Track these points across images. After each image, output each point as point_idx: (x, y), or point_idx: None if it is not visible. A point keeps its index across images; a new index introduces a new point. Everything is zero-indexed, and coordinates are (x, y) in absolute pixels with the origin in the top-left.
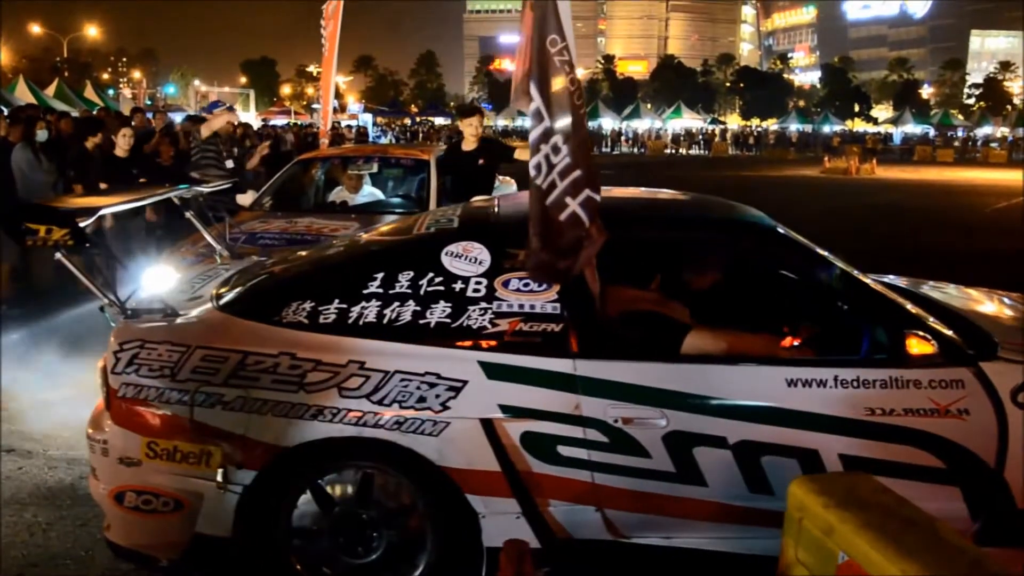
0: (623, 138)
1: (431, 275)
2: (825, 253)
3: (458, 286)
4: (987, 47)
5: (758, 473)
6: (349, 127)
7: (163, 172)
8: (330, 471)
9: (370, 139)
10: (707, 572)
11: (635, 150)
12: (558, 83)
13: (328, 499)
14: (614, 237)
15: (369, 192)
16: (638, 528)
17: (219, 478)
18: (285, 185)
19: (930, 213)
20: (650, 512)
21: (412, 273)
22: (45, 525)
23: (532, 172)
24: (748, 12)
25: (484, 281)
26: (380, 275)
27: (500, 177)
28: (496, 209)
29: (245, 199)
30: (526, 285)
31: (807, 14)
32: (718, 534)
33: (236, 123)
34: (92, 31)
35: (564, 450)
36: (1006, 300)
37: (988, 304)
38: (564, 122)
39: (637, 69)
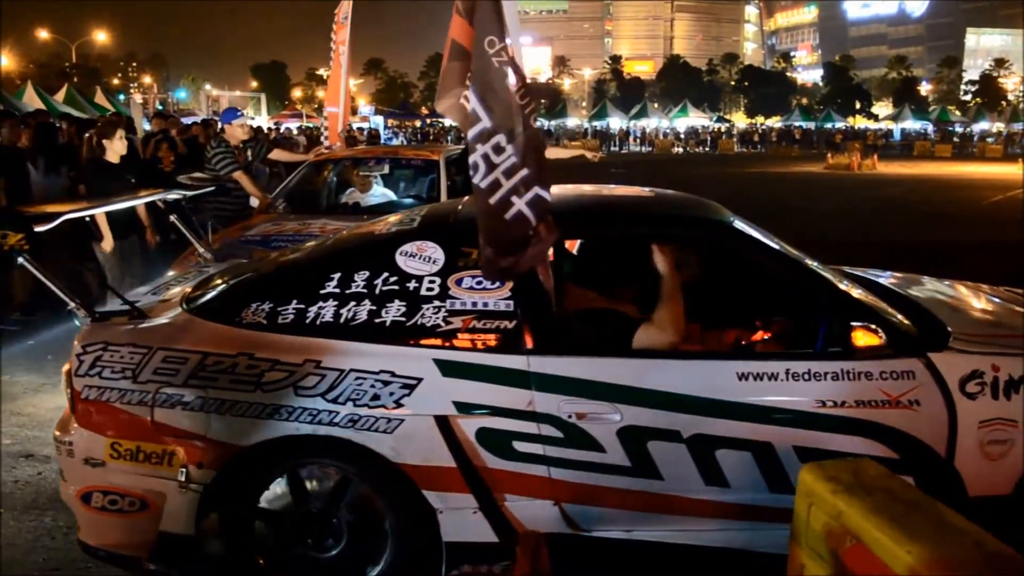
0: (631, 137)
1: (386, 275)
2: (781, 247)
3: (412, 285)
4: (982, 45)
5: (713, 466)
6: (360, 129)
7: (164, 178)
8: (289, 469)
9: (381, 141)
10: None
11: (643, 149)
12: (497, 84)
13: (288, 496)
14: (570, 234)
15: (381, 193)
16: (597, 522)
17: (180, 477)
18: (298, 187)
19: (930, 206)
20: (608, 506)
21: (368, 273)
22: (66, 529)
23: (471, 172)
24: (751, 12)
25: (438, 280)
26: (337, 275)
27: None
28: (459, 209)
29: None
30: (479, 283)
31: (809, 13)
32: (676, 527)
33: (250, 130)
34: (101, 36)
35: (520, 446)
36: (995, 298)
37: (964, 298)
38: (506, 122)
39: (644, 69)
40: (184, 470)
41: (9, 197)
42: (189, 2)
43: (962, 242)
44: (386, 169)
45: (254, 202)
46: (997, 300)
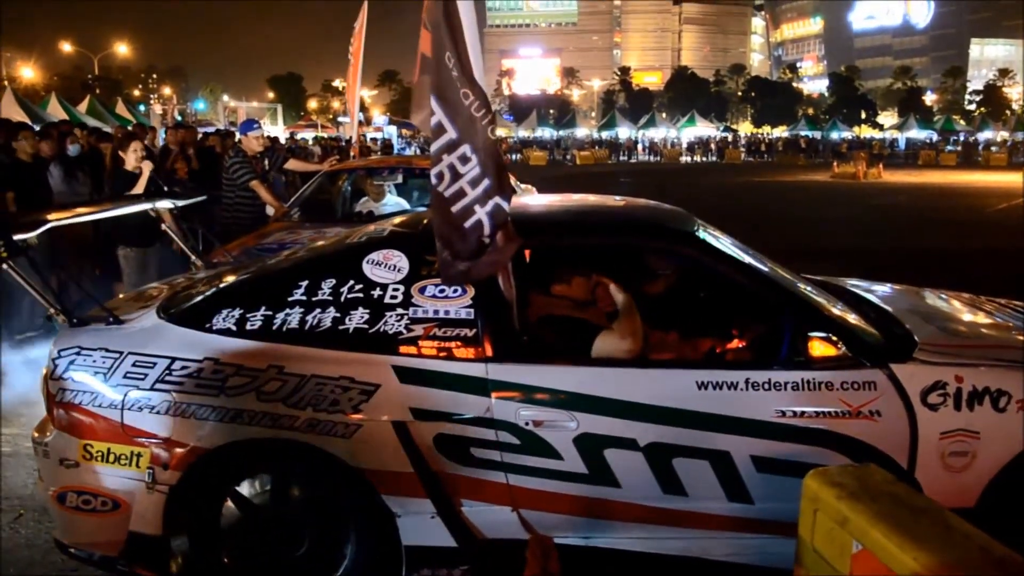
0: (639, 147)
1: (352, 282)
2: (747, 257)
3: (376, 293)
4: (986, 55)
5: (670, 474)
6: (375, 140)
7: (181, 187)
8: (252, 471)
9: (395, 151)
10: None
11: (651, 158)
12: (455, 97)
13: (252, 498)
14: (535, 243)
15: (394, 202)
16: (555, 528)
17: (147, 479)
18: (313, 196)
19: (935, 214)
20: (566, 512)
21: (334, 280)
22: None
23: (434, 180)
24: (758, 24)
25: (402, 288)
26: (305, 283)
27: (522, 185)
28: (431, 218)
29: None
30: (441, 291)
31: (815, 25)
32: (634, 534)
33: (266, 140)
34: (122, 49)
35: (477, 452)
36: (996, 314)
37: (947, 310)
38: (469, 133)
39: (652, 80)
40: (151, 471)
41: (22, 208)
42: (209, 15)
43: (966, 250)
44: (399, 178)
45: (270, 211)
46: (998, 316)
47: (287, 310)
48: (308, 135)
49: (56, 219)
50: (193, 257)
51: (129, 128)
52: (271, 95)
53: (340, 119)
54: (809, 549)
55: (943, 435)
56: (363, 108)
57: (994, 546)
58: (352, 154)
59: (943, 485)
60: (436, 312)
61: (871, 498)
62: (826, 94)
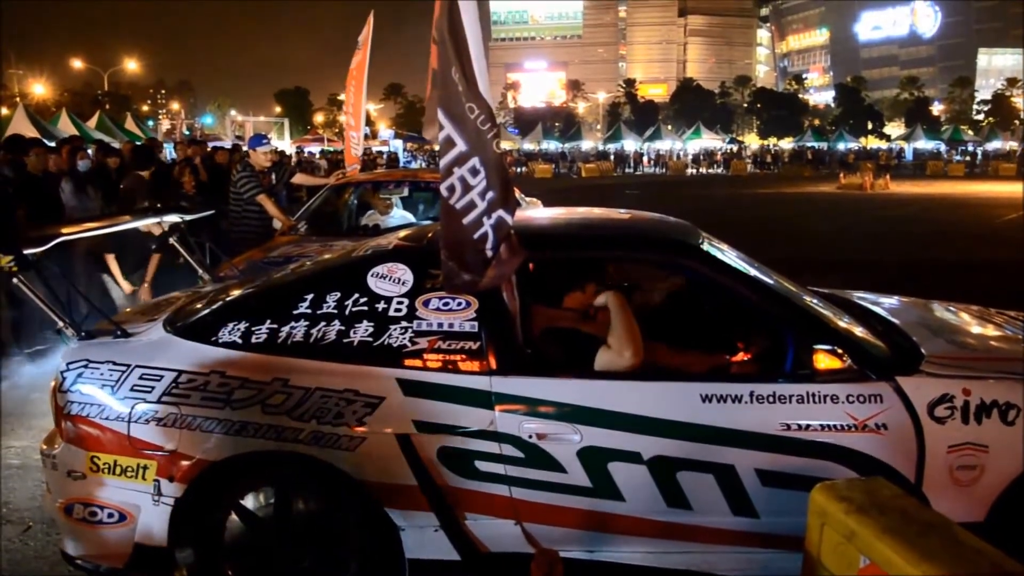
0: (645, 159)
1: (357, 295)
2: (752, 270)
3: (381, 306)
4: (994, 65)
5: (674, 488)
6: (380, 153)
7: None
8: (256, 484)
9: (400, 164)
10: None
11: (657, 170)
12: (462, 111)
13: (255, 510)
14: (540, 256)
15: (400, 215)
16: (559, 542)
17: (153, 491)
18: (319, 210)
19: (943, 225)
20: (570, 526)
21: (339, 294)
22: None
23: (445, 193)
24: (763, 35)
25: (406, 301)
26: (310, 296)
27: (527, 198)
28: (435, 231)
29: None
30: (445, 304)
31: (820, 36)
32: (638, 548)
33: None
34: (132, 65)
35: (481, 465)
36: (1007, 326)
37: (955, 323)
38: (477, 146)
39: (657, 92)
40: (157, 483)
41: (33, 223)
42: (216, 30)
43: (975, 261)
44: (405, 192)
45: (277, 224)
46: (1007, 328)
47: (292, 323)
48: (315, 149)
49: (66, 233)
50: (200, 271)
51: (142, 144)
52: (278, 109)
53: (353, 134)
54: (816, 563)
55: (951, 448)
56: (369, 122)
57: (1005, 561)
58: (346, 165)
59: (951, 499)
60: (440, 325)
61: (879, 512)
62: (832, 105)
